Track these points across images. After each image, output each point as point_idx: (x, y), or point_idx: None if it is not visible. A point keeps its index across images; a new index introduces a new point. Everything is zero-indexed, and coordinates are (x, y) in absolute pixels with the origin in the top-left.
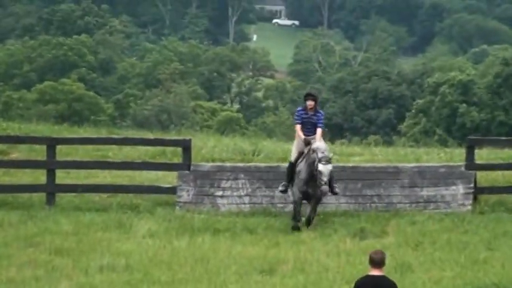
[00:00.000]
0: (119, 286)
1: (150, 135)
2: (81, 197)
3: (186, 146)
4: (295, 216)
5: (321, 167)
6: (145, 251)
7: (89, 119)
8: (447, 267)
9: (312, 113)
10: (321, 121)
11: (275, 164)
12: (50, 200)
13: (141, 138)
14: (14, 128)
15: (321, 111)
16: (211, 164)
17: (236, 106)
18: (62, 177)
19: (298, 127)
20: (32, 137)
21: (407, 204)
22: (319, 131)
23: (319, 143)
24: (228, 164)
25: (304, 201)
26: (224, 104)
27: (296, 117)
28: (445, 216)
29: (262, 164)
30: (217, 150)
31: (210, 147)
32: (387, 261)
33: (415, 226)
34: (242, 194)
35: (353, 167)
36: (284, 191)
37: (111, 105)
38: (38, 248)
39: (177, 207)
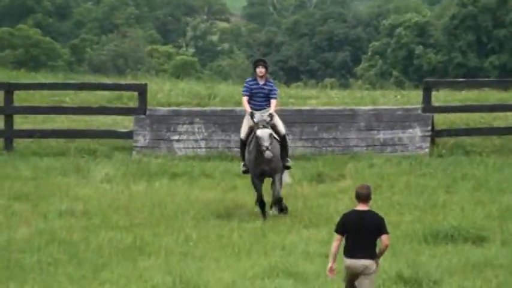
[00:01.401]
0: (78, 231)
1: (106, 80)
2: (38, 142)
3: (141, 91)
4: (258, 198)
5: (258, 132)
6: (103, 196)
7: (46, 65)
8: (406, 211)
9: (263, 82)
10: (274, 91)
11: (231, 108)
12: (8, 146)
13: (97, 83)
14: None
15: (271, 80)
16: (167, 108)
17: (191, 50)
18: (20, 122)
19: (244, 99)
20: None
21: (364, 148)
22: (273, 102)
23: (259, 114)
24: (184, 108)
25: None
26: (179, 48)
27: (244, 89)
28: (403, 159)
29: (218, 108)
30: (173, 94)
31: (166, 92)
32: (345, 204)
33: (372, 169)
34: (198, 138)
35: (309, 110)
36: (246, 171)
37: (68, 50)
38: None
39: (134, 152)
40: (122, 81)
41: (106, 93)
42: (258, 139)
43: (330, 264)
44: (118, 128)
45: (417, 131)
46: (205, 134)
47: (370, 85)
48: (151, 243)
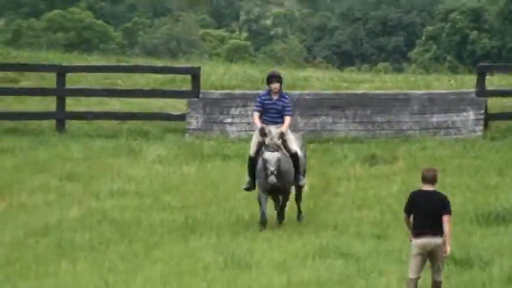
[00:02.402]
0: (129, 211)
1: (159, 63)
2: (91, 124)
3: (195, 74)
4: (262, 215)
5: (266, 154)
6: (155, 177)
7: (98, 47)
8: (458, 192)
9: (277, 97)
10: (288, 108)
11: (284, 91)
12: (60, 127)
13: (150, 66)
14: (24, 56)
15: (286, 95)
16: (220, 91)
17: (245, 34)
18: (72, 104)
19: (255, 115)
20: (42, 64)
21: (418, 131)
22: (287, 119)
23: (274, 130)
24: (237, 92)
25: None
26: (233, 32)
27: (257, 104)
28: (456, 142)
29: None
30: (227, 77)
31: (219, 75)
32: (398, 186)
33: (425, 152)
34: (251, 121)
35: (363, 94)
36: (248, 189)
37: (120, 33)
38: (49, 173)
39: (187, 134)
40: (175, 65)
41: (159, 76)
42: (265, 162)
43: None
44: (171, 110)
45: (470, 115)
46: None
47: (424, 69)
48: (203, 223)
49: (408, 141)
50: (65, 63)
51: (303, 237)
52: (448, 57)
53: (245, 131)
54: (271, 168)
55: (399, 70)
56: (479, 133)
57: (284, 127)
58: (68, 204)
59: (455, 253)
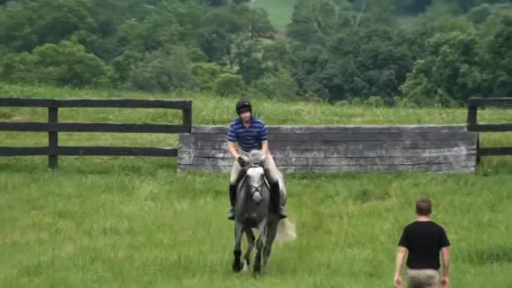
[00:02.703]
0: (122, 249)
1: (150, 97)
2: (83, 159)
3: (186, 108)
4: (236, 247)
5: (249, 171)
6: (148, 214)
7: (90, 81)
8: (451, 229)
9: (249, 124)
10: (264, 131)
11: (276, 126)
12: (53, 163)
13: (141, 101)
14: (16, 90)
15: (258, 119)
16: (212, 126)
17: (236, 67)
18: (64, 139)
19: (230, 145)
20: (34, 99)
21: (410, 166)
22: (265, 144)
23: (254, 151)
24: (228, 126)
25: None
26: (224, 65)
27: (230, 133)
28: (448, 177)
29: None
30: (218, 111)
31: (210, 109)
32: (390, 223)
33: (417, 188)
34: None
35: (354, 128)
36: (233, 218)
37: (112, 67)
38: (41, 211)
39: (179, 170)
40: (166, 99)
41: (150, 110)
42: (247, 179)
43: (396, 277)
44: (162, 145)
45: (463, 150)
46: None
47: (415, 103)
48: (196, 261)
49: (400, 177)
50: (56, 98)
51: (296, 276)
52: (439, 90)
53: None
54: (255, 184)
55: (390, 104)
56: (472, 169)
57: (263, 152)
58: (61, 242)
59: None
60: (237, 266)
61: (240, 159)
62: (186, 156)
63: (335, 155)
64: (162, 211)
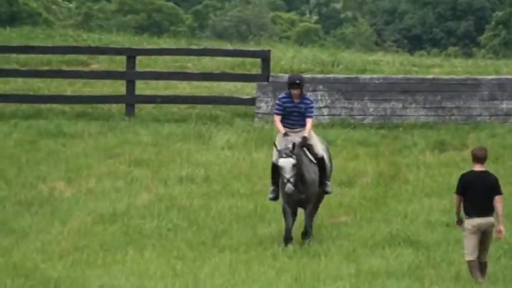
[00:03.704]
0: (198, 197)
1: (229, 46)
2: (160, 108)
3: (265, 57)
4: (286, 232)
5: (281, 161)
6: (224, 163)
7: (168, 30)
8: None
9: (299, 100)
10: (311, 109)
11: (354, 76)
12: (130, 111)
13: (220, 49)
14: (95, 39)
15: (308, 97)
16: None
17: (315, 17)
18: (142, 88)
19: (276, 119)
20: (112, 48)
21: (487, 117)
22: (309, 121)
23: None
24: (307, 75)
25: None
26: (303, 14)
27: (277, 107)
28: None
29: (342, 76)
30: (296, 61)
31: (289, 58)
32: None
33: (495, 139)
34: (321, 105)
35: (432, 79)
36: (274, 198)
37: (190, 15)
38: (117, 159)
39: (256, 119)
40: (245, 48)
41: (228, 59)
42: (280, 169)
43: (457, 219)
44: (240, 94)
45: None
46: (328, 101)
47: (493, 54)
48: (272, 210)
49: (478, 128)
50: (134, 46)
51: (372, 226)
52: None
53: (315, 115)
54: (287, 175)
55: (469, 55)
56: None
57: (306, 131)
58: (136, 190)
59: None
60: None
61: (285, 134)
62: (264, 105)
63: (413, 106)
64: (238, 160)
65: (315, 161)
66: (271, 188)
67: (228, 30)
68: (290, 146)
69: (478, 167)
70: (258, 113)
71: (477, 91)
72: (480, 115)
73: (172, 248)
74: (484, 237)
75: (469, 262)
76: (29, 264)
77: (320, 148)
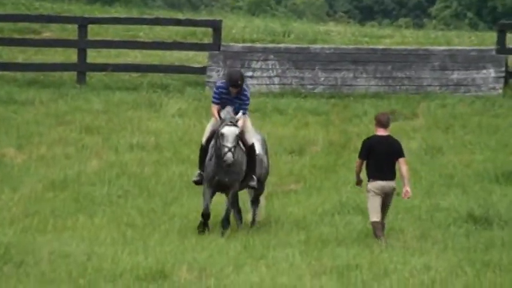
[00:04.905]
0: (148, 164)
1: (180, 16)
2: (111, 76)
3: (216, 27)
4: (205, 211)
5: (225, 129)
6: (175, 130)
7: None
8: (477, 150)
9: (235, 95)
10: (245, 106)
11: (305, 46)
12: (81, 79)
13: (172, 19)
14: (47, 7)
15: (247, 93)
16: (241, 44)
17: None
18: (93, 56)
19: (214, 108)
20: (64, 16)
21: (438, 87)
22: (241, 117)
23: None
24: (258, 45)
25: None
26: None
27: (214, 95)
28: (476, 99)
29: (293, 45)
30: (248, 30)
31: (240, 28)
32: (417, 143)
33: (445, 109)
34: (272, 74)
35: (384, 49)
36: (198, 182)
37: None
38: (68, 126)
39: (207, 87)
40: (197, 17)
41: (180, 28)
42: (221, 138)
43: (357, 180)
44: (191, 63)
45: (491, 72)
46: (279, 70)
47: (444, 26)
48: None
49: (428, 98)
50: (86, 15)
51: (322, 194)
52: (469, 14)
53: (266, 84)
54: (229, 144)
55: (420, 26)
56: (500, 91)
57: (240, 125)
58: (87, 157)
59: (474, 211)
60: (203, 226)
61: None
62: (215, 74)
63: (364, 75)
64: (189, 128)
65: (243, 148)
66: (197, 172)
67: (180, 0)
68: (235, 117)
69: (381, 132)
70: (208, 81)
71: (428, 62)
72: (430, 85)
73: (123, 214)
74: (385, 199)
75: (373, 223)
76: None
77: (252, 136)
